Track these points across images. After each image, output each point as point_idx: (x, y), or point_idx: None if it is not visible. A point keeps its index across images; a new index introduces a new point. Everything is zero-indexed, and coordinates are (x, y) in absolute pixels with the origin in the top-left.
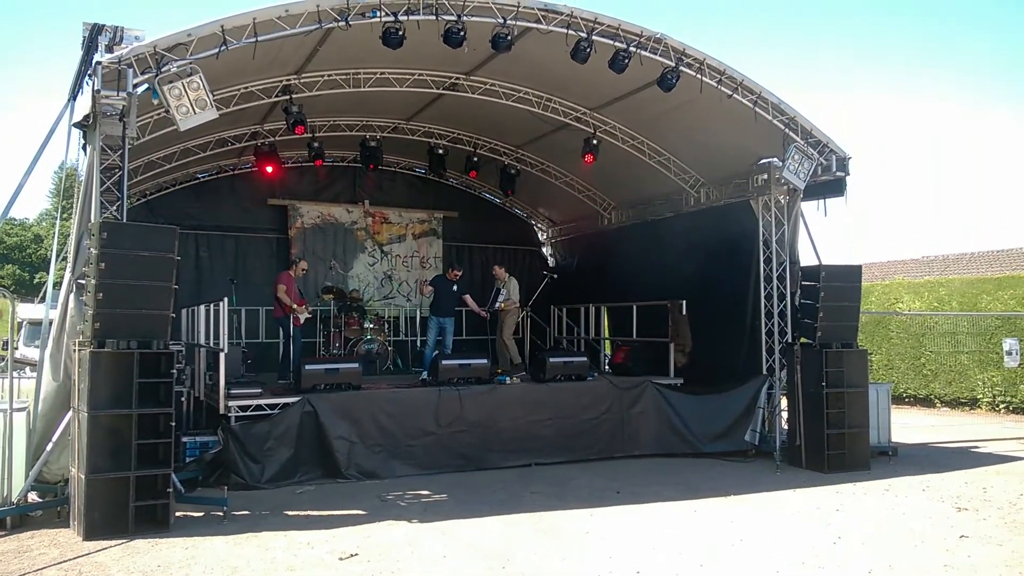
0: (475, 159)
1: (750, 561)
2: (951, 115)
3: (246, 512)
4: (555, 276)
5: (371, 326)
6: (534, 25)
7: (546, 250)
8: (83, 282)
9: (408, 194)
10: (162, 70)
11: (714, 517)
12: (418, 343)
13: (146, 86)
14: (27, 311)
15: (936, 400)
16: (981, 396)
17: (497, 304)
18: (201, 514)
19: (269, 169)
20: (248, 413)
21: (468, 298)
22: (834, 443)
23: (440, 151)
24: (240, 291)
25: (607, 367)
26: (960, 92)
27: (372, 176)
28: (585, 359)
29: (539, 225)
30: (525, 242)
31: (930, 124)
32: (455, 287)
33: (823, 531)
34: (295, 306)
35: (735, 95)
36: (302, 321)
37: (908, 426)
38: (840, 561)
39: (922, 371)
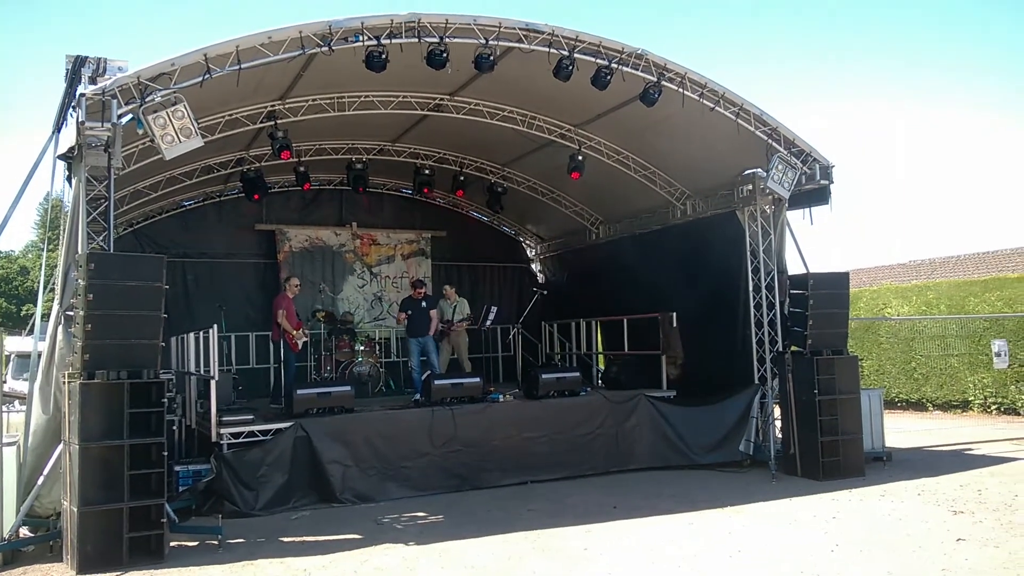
0: (461, 178)
1: (749, 572)
2: (934, 117)
3: (241, 540)
4: (545, 292)
5: (362, 348)
6: (516, 44)
7: (535, 266)
8: (71, 314)
9: (396, 215)
10: (146, 100)
11: (712, 529)
12: (409, 364)
13: (130, 116)
14: (14, 344)
15: (928, 404)
16: (973, 398)
17: (487, 322)
18: (196, 544)
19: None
20: (240, 440)
21: (434, 313)
22: (828, 450)
23: (426, 171)
24: (229, 317)
25: (600, 382)
26: (944, 94)
27: (359, 198)
28: (578, 374)
29: (527, 242)
30: (514, 259)
31: (913, 127)
32: (423, 304)
33: (821, 539)
34: (294, 332)
35: (717, 107)
36: (300, 346)
37: (901, 431)
38: (838, 568)
39: (913, 375)
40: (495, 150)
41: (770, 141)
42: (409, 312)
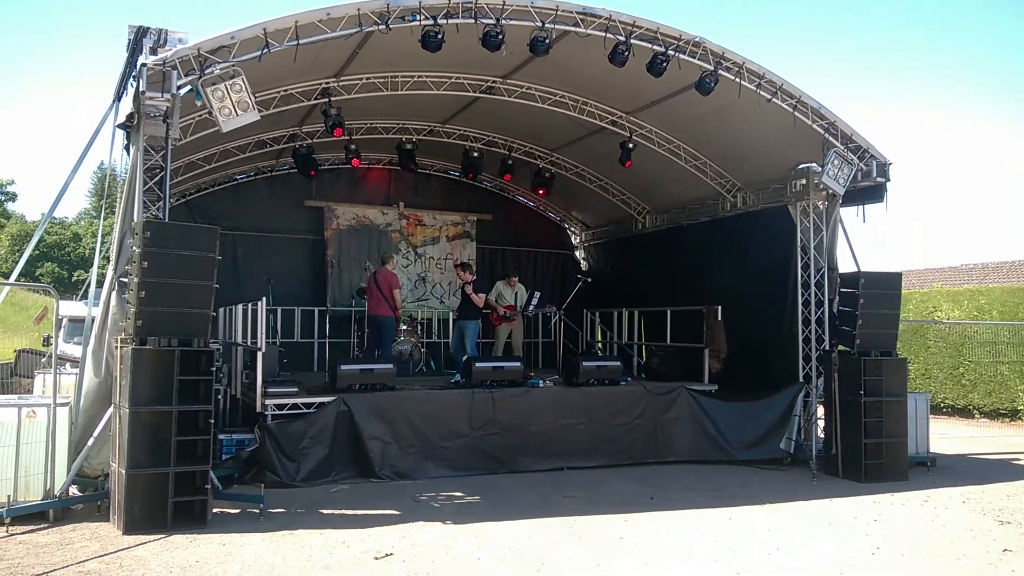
0: (510, 162)
1: (787, 570)
2: (991, 121)
3: (282, 510)
4: (589, 280)
5: (405, 327)
6: (572, 28)
7: (579, 254)
8: (126, 280)
9: (442, 196)
10: (205, 72)
11: (750, 525)
12: (450, 345)
13: (189, 88)
14: (67, 308)
15: (975, 411)
16: (1022, 407)
17: (531, 307)
18: (237, 511)
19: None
20: (284, 412)
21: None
22: (871, 452)
23: (475, 154)
24: (276, 291)
25: (641, 372)
26: (1001, 97)
27: (407, 178)
28: (618, 363)
29: (572, 229)
30: (558, 245)
31: (969, 130)
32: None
33: (862, 541)
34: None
35: (774, 99)
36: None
37: (946, 436)
38: (879, 573)
39: (960, 381)
40: (544, 135)
41: (827, 135)
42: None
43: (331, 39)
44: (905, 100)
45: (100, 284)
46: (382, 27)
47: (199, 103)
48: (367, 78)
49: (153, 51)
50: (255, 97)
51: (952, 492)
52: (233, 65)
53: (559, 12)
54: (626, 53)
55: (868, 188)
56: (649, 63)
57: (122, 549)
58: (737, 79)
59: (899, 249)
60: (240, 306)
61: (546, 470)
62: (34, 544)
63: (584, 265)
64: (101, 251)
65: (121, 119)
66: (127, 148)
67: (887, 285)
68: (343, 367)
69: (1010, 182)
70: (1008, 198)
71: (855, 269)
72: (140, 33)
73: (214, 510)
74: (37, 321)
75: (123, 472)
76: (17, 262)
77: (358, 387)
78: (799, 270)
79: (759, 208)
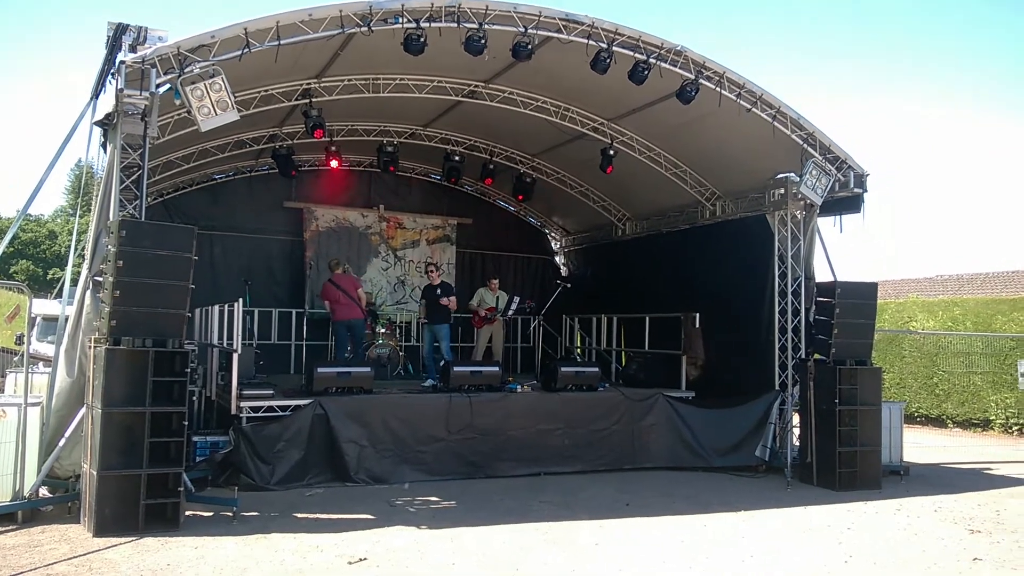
0: (491, 167)
1: None
2: (967, 131)
3: (255, 513)
4: (568, 285)
5: (383, 331)
6: (555, 35)
7: (559, 259)
8: (100, 279)
9: (423, 200)
10: (185, 71)
11: (724, 532)
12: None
13: (169, 86)
14: (40, 307)
15: (948, 420)
16: (994, 417)
17: (510, 311)
18: (211, 514)
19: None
20: (260, 414)
21: (451, 300)
22: (845, 461)
23: (456, 158)
24: (253, 292)
25: (619, 378)
26: (977, 107)
27: (388, 181)
28: (597, 369)
29: (553, 234)
30: (538, 251)
31: (945, 140)
32: (438, 291)
33: (834, 549)
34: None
35: (754, 109)
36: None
37: (919, 446)
38: None
39: (934, 391)
40: (526, 140)
41: (805, 146)
42: (425, 296)
43: (313, 40)
44: (888, 103)
45: (75, 283)
46: (364, 29)
47: (178, 102)
48: (349, 80)
49: (132, 49)
50: (235, 97)
51: (924, 501)
52: (213, 64)
53: (542, 18)
54: (608, 60)
55: (845, 198)
56: (631, 71)
57: (92, 551)
58: (718, 88)
59: (875, 259)
60: (216, 307)
61: (523, 475)
62: (1, 546)
63: (564, 271)
64: (77, 249)
65: (99, 116)
66: (104, 146)
67: (863, 295)
68: (320, 370)
69: (986, 193)
70: (983, 209)
71: (831, 278)
72: (120, 30)
73: (187, 513)
74: (9, 320)
75: (94, 473)
76: None
77: (335, 390)
78: (776, 279)
79: (738, 217)
